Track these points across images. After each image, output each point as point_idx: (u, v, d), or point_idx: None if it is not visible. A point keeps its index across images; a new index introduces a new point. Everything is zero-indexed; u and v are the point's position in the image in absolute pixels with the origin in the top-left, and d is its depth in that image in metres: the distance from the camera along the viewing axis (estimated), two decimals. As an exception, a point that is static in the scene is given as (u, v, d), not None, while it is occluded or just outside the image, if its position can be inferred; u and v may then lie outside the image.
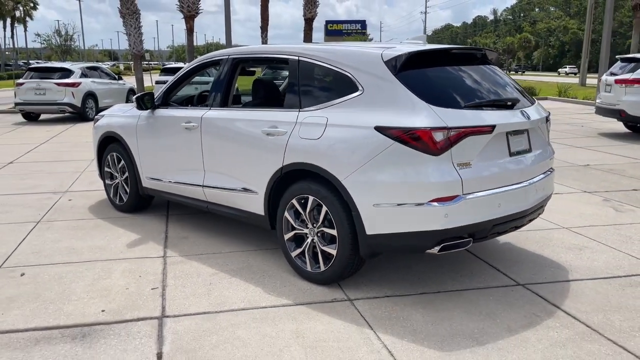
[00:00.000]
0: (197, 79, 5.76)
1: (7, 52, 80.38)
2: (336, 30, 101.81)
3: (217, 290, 3.90)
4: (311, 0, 24.09)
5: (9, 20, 73.40)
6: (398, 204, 3.46)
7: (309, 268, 4.00)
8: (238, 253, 4.67)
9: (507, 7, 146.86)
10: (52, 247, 4.83)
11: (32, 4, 78.82)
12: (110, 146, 5.95)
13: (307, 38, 24.82)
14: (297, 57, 4.19)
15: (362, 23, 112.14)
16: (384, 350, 3.09)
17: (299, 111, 4.01)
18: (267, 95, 4.92)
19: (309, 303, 3.71)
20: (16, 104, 15.25)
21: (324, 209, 3.78)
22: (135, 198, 5.79)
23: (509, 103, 3.85)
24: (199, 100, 5.69)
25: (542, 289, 3.93)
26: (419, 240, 3.49)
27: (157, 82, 16.76)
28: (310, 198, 3.86)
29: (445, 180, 3.40)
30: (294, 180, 4.01)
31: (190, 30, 23.32)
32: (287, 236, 4.12)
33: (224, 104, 4.74)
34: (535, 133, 4.03)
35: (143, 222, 5.61)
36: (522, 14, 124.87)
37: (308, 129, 3.88)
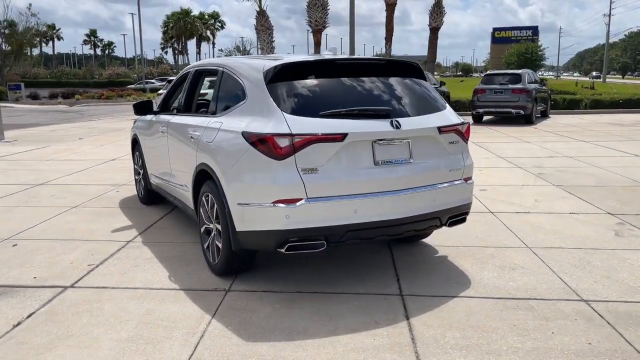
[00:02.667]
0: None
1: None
2: (504, 38, 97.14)
3: (133, 272, 4.50)
4: (437, 10, 23.77)
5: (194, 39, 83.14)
6: (252, 204, 3.74)
7: (211, 259, 4.41)
8: (187, 244, 5.23)
9: None
10: (59, 227, 5.86)
11: (219, 25, 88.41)
12: (136, 146, 6.93)
13: (432, 48, 24.52)
14: (221, 69, 4.65)
15: (534, 29, 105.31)
16: (199, 334, 3.41)
17: (212, 117, 4.46)
18: (203, 103, 5.50)
19: (191, 290, 4.13)
20: None
21: (216, 206, 4.18)
22: (147, 193, 6.68)
23: (380, 113, 3.86)
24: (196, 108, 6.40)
25: (416, 301, 3.86)
26: (266, 238, 3.73)
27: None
28: (210, 196, 4.28)
29: (286, 183, 3.60)
30: (205, 179, 4.46)
31: (317, 44, 24.58)
32: (201, 230, 4.58)
33: (186, 109, 5.36)
34: (421, 143, 3.97)
35: (147, 213, 6.45)
36: None
37: (209, 133, 4.31)
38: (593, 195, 7.02)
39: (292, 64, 3.99)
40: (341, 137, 3.64)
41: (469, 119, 13.93)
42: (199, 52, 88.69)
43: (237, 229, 3.88)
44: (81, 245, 5.22)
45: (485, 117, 18.41)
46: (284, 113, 3.69)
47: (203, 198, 4.42)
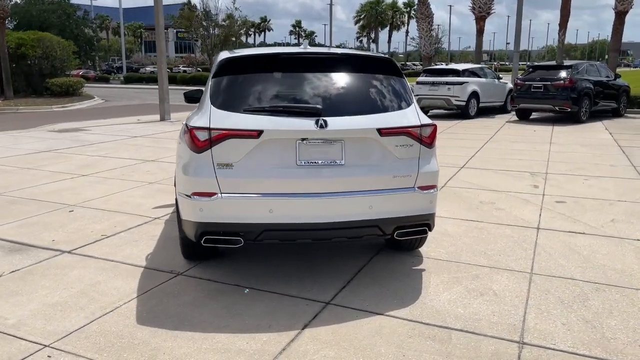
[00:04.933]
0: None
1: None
2: None
3: (127, 247, 4.92)
4: (625, -9, 20.43)
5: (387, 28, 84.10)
6: (181, 194, 3.87)
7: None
8: (198, 226, 5.54)
9: None
10: (118, 199, 6.64)
11: (414, 13, 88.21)
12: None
13: (616, 34, 21.26)
14: None
15: None
16: (109, 309, 3.67)
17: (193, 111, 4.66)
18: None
19: (153, 269, 4.40)
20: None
21: None
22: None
23: (308, 111, 3.64)
24: None
25: (333, 312, 3.62)
26: (189, 228, 3.82)
27: (418, 83, 17.63)
28: None
29: (201, 176, 3.65)
30: None
31: (480, 32, 23.06)
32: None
33: None
34: (357, 145, 3.66)
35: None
36: None
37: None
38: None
39: (233, 59, 3.99)
40: (257, 133, 3.56)
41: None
42: (389, 41, 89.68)
43: (181, 217, 4.03)
44: (116, 217, 5.86)
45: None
46: (212, 107, 3.72)
47: None
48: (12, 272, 4.32)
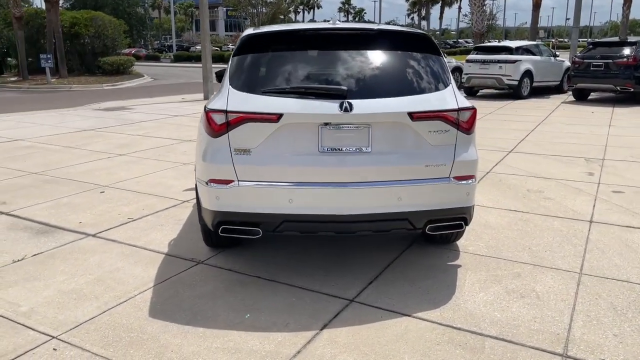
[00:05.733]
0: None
1: (436, 32, 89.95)
2: None
3: (151, 231, 4.78)
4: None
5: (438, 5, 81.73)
6: (200, 180, 3.66)
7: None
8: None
9: None
10: (151, 180, 6.54)
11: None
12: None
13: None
14: None
15: None
16: (124, 299, 3.52)
17: None
18: None
19: (174, 256, 4.24)
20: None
21: None
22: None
23: (332, 92, 3.32)
24: None
25: (356, 310, 3.35)
26: (206, 216, 3.62)
27: (467, 61, 16.88)
28: None
29: (218, 163, 3.42)
30: None
31: (536, 6, 21.79)
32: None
33: None
34: (386, 130, 3.33)
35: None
36: None
37: None
38: None
39: (255, 35, 3.71)
40: (276, 117, 3.28)
41: None
42: (441, 18, 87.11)
43: (201, 205, 3.83)
44: (146, 199, 5.75)
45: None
46: (231, 88, 3.47)
47: None
48: (35, 255, 4.25)
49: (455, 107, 3.42)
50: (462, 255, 4.18)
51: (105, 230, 4.80)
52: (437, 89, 3.48)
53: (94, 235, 4.69)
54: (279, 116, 3.28)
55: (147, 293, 3.61)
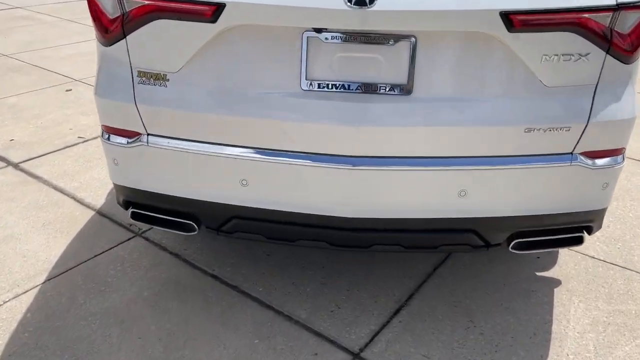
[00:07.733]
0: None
1: None
2: None
3: (95, 163, 3.36)
4: None
5: None
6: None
7: None
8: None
9: None
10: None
11: None
12: None
13: None
14: None
15: None
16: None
17: None
18: None
19: (104, 215, 2.82)
20: None
21: None
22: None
23: None
24: None
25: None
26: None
27: None
28: None
29: (108, 97, 1.77)
30: None
31: None
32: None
33: None
34: (447, 49, 1.54)
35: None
36: None
37: None
38: None
39: None
40: (212, 10, 1.53)
41: None
42: None
43: None
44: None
45: None
46: None
47: None
48: None
49: (613, 2, 1.52)
50: (563, 262, 2.46)
51: (37, 157, 3.38)
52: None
53: (15, 165, 3.29)
54: (217, 6, 1.52)
55: (27, 296, 2.20)
